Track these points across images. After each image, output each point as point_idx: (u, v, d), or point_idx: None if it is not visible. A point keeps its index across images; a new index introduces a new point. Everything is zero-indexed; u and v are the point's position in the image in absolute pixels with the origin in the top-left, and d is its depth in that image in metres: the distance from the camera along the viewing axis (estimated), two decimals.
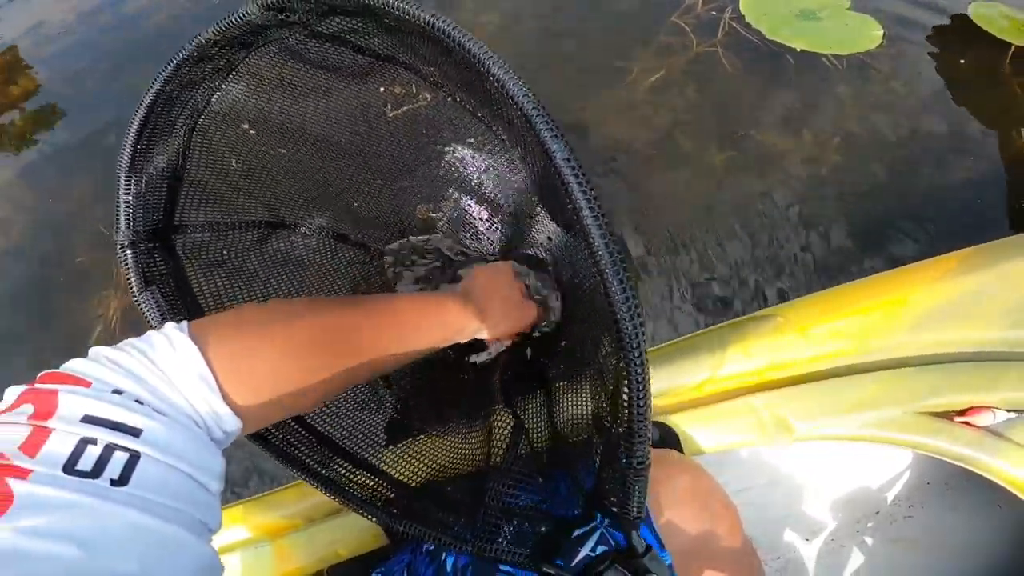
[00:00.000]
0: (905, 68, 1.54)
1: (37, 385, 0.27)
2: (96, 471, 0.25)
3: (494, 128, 0.63)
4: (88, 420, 0.26)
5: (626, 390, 0.32)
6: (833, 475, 0.89)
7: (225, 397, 0.32)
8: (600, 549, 0.49)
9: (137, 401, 0.28)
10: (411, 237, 0.71)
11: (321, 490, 0.49)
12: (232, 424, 0.33)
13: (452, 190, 0.70)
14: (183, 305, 0.49)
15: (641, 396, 0.31)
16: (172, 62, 0.43)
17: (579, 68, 1.59)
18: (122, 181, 0.45)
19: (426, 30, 0.34)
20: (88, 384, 0.28)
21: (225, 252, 0.54)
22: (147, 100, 0.44)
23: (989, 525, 0.82)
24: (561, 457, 0.53)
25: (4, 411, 0.26)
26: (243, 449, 1.16)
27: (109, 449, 0.25)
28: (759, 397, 0.65)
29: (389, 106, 0.61)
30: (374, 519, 0.47)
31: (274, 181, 0.59)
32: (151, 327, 0.46)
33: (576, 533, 0.49)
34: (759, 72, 1.54)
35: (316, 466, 0.50)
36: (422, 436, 0.58)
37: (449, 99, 0.60)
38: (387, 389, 0.63)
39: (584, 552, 0.49)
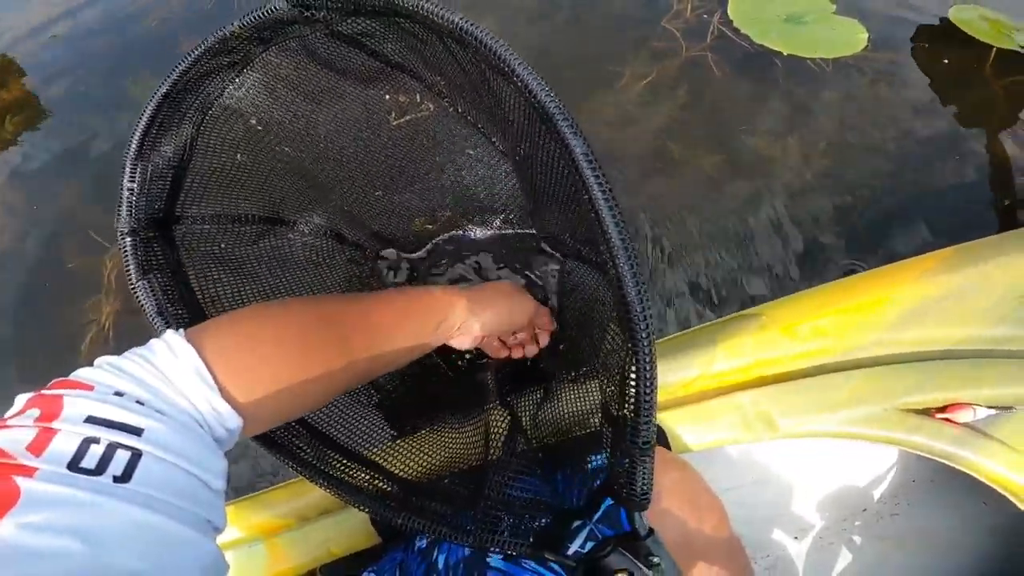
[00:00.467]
0: (890, 71, 1.56)
1: (44, 391, 0.28)
2: (99, 469, 0.25)
3: (492, 139, 0.65)
4: (91, 421, 0.27)
5: (634, 371, 0.33)
6: (820, 473, 0.90)
7: (224, 394, 0.33)
8: (589, 545, 0.49)
9: (138, 402, 0.29)
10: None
11: (318, 483, 0.49)
12: (233, 422, 0.33)
13: (449, 199, 0.71)
14: (179, 296, 0.49)
15: (648, 376, 0.33)
16: (193, 52, 0.44)
17: (571, 73, 1.60)
18: (127, 169, 0.45)
19: (453, 31, 0.35)
20: (91, 388, 0.29)
21: (223, 245, 0.55)
22: (163, 89, 0.45)
23: (974, 522, 0.84)
24: (561, 453, 0.53)
25: (13, 416, 0.27)
26: (237, 449, 1.16)
27: (112, 448, 0.26)
28: (744, 395, 0.66)
29: (393, 114, 0.61)
30: (372, 512, 0.47)
31: (276, 178, 0.60)
32: (146, 319, 0.48)
33: (565, 530, 0.51)
34: (748, 76, 1.56)
35: (313, 460, 0.50)
36: (418, 433, 0.59)
37: (451, 109, 0.61)
38: (380, 388, 0.64)
39: (573, 548, 0.49)
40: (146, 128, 0.45)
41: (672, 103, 1.52)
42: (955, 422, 0.62)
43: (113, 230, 1.45)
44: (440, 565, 0.52)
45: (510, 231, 0.73)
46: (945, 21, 1.67)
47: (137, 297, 0.46)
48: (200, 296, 0.52)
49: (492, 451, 0.52)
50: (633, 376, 0.34)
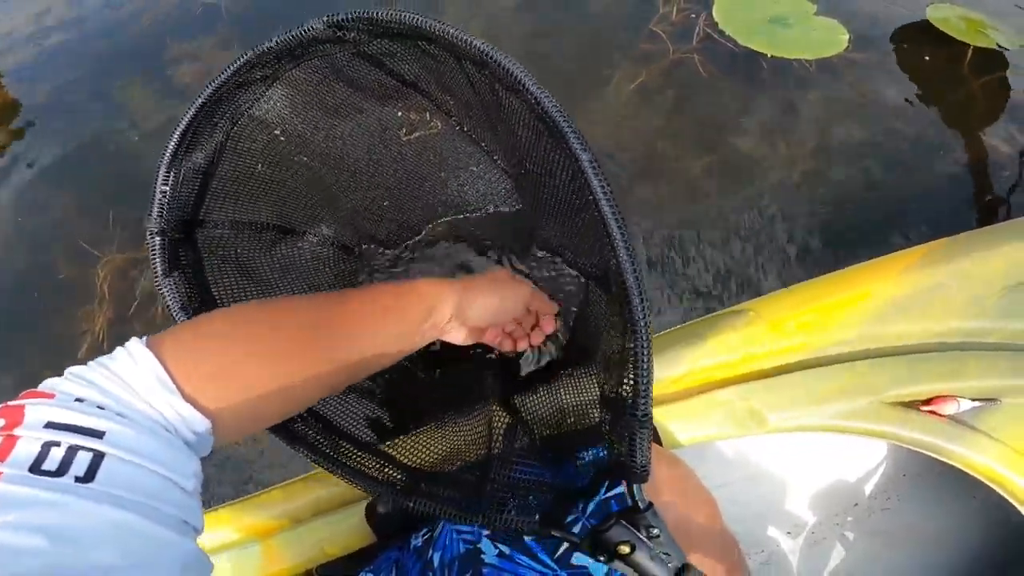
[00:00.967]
0: (871, 71, 1.59)
1: (9, 403, 0.29)
2: (61, 470, 0.26)
3: (495, 158, 0.67)
4: (50, 426, 0.27)
5: (632, 349, 0.36)
6: (811, 469, 0.91)
7: (187, 398, 0.32)
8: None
9: (99, 407, 0.29)
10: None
11: (337, 474, 0.49)
12: (201, 425, 0.33)
13: (452, 214, 0.74)
14: (198, 296, 0.51)
15: (646, 350, 0.36)
16: (231, 66, 0.47)
17: (561, 77, 1.62)
18: (162, 172, 0.47)
19: (473, 54, 0.39)
20: (52, 396, 0.29)
21: (238, 251, 0.57)
22: (200, 100, 0.47)
23: (965, 516, 0.85)
24: (560, 444, 0.55)
25: None
26: (229, 449, 1.16)
27: (72, 450, 0.27)
28: (733, 390, 0.67)
29: (404, 129, 0.64)
30: (385, 498, 0.48)
31: (291, 189, 0.62)
32: (171, 316, 0.49)
33: None
34: (734, 77, 1.58)
35: (329, 451, 0.51)
36: (421, 429, 0.59)
37: (457, 128, 0.65)
38: (381, 385, 0.64)
39: (567, 543, 0.51)
40: (182, 135, 0.48)
41: (661, 105, 1.54)
42: (940, 414, 0.63)
43: (104, 240, 1.46)
44: (436, 563, 0.52)
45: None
46: (921, 20, 1.70)
47: (162, 294, 0.48)
48: (217, 296, 0.54)
49: (495, 444, 0.53)
50: (631, 355, 0.36)
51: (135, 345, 0.33)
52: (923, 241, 0.71)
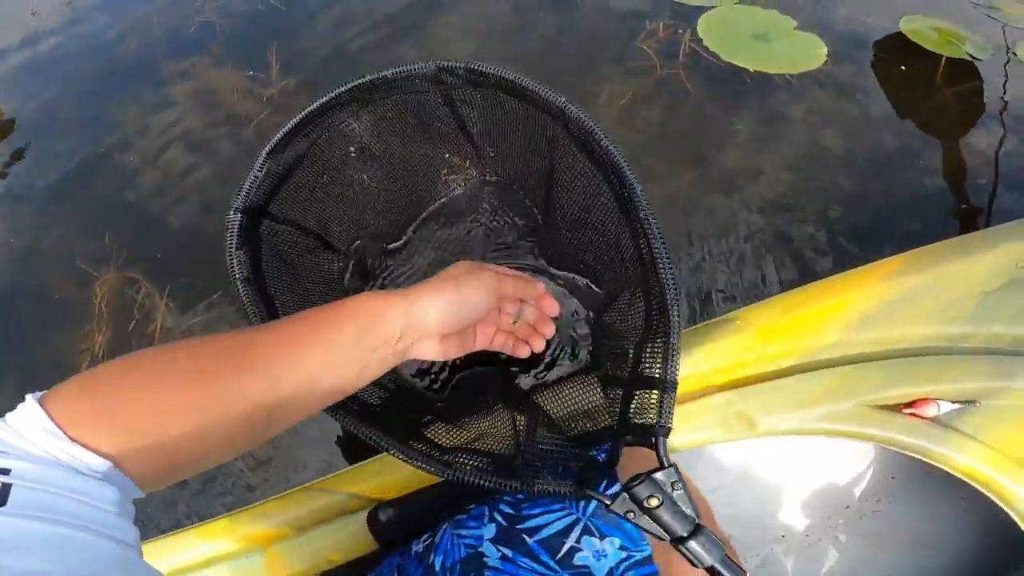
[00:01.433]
0: (850, 83, 1.63)
1: None
2: None
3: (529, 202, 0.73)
4: None
5: (664, 327, 0.45)
6: (803, 473, 0.93)
7: (74, 439, 0.32)
8: (585, 539, 0.52)
9: (5, 473, 0.29)
10: None
11: (390, 450, 0.50)
12: (99, 463, 0.32)
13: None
14: (254, 278, 0.55)
15: (676, 330, 0.44)
16: (347, 84, 0.54)
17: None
18: (261, 160, 0.53)
19: (553, 107, 0.50)
20: None
21: (286, 248, 0.61)
22: (313, 106, 0.54)
23: (954, 516, 0.87)
24: (583, 424, 0.57)
25: None
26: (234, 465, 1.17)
27: None
28: (723, 395, 0.69)
29: (445, 170, 0.70)
30: (421, 465, 0.48)
31: (340, 202, 0.67)
32: (234, 289, 0.52)
33: (560, 527, 0.53)
34: (719, 93, 1.62)
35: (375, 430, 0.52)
36: (446, 424, 0.60)
37: (484, 177, 0.72)
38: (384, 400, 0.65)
39: (569, 544, 0.52)
40: (287, 133, 0.54)
41: (648, 121, 1.58)
42: (922, 416, 0.65)
43: (101, 259, 1.45)
44: (437, 567, 0.53)
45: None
46: (896, 33, 1.75)
47: (231, 265, 0.52)
48: (268, 282, 0.57)
49: (519, 429, 0.56)
50: (661, 335, 0.45)
51: (28, 400, 0.34)
52: (903, 248, 0.74)
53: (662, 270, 0.45)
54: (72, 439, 0.32)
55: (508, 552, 0.52)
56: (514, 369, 0.68)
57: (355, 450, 1.14)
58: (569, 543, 0.52)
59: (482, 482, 0.46)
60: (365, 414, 0.53)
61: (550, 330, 0.60)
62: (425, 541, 0.58)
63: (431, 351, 0.48)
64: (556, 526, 0.53)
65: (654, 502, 0.40)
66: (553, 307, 0.58)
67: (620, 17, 1.86)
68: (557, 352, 0.69)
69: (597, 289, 0.70)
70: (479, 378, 0.68)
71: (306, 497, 0.67)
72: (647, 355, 0.48)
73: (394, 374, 0.65)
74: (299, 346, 0.40)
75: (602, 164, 0.51)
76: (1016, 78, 1.67)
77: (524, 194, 0.72)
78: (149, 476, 0.35)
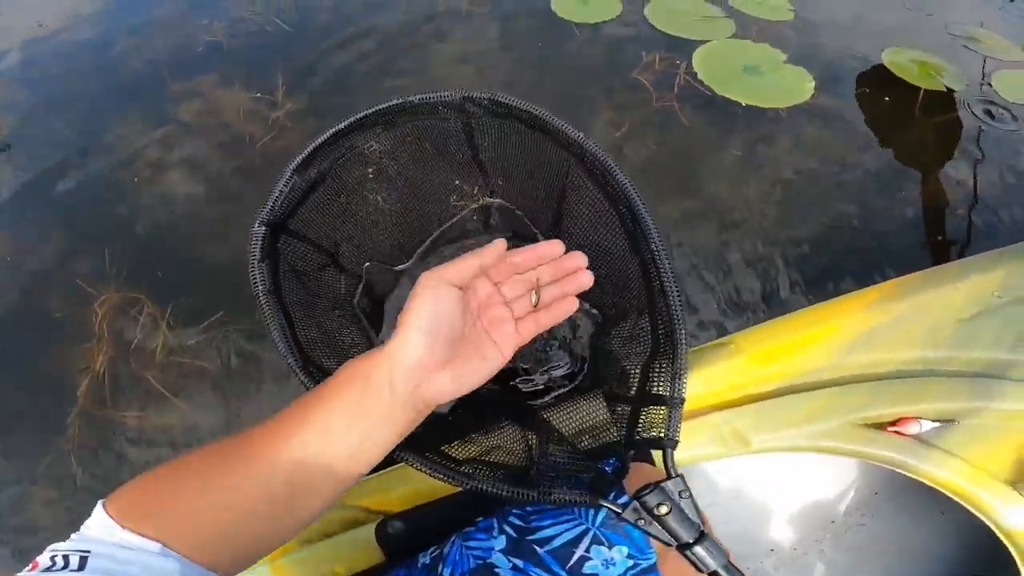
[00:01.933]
0: (836, 115, 1.70)
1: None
2: (64, 566, 0.34)
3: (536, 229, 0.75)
4: (53, 550, 0.36)
5: (669, 347, 0.49)
6: (790, 489, 0.96)
7: (125, 527, 0.37)
8: (594, 548, 0.54)
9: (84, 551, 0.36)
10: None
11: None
12: (151, 545, 0.36)
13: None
14: (274, 288, 0.56)
15: (682, 349, 0.48)
16: (374, 108, 0.57)
17: None
18: (287, 175, 0.55)
19: (573, 142, 0.54)
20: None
21: (300, 264, 0.62)
22: (341, 125, 0.56)
23: (934, 530, 0.90)
24: (592, 438, 0.58)
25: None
26: None
27: (65, 557, 0.35)
28: (719, 415, 0.72)
29: (455, 196, 0.72)
30: (441, 477, 0.48)
31: (353, 222, 0.68)
32: (257, 301, 0.53)
33: (570, 537, 0.55)
34: (713, 124, 1.67)
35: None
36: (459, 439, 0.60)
37: (492, 203, 0.74)
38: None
39: (579, 553, 0.54)
40: (314, 151, 0.55)
41: (644, 151, 1.63)
42: (904, 434, 0.69)
43: (100, 279, 1.44)
44: None
45: None
46: (879, 66, 1.82)
47: (254, 277, 0.53)
48: (285, 291, 0.59)
49: (531, 444, 0.57)
50: (668, 354, 0.49)
51: (97, 506, 0.39)
52: (886, 277, 0.79)
53: (672, 300, 0.49)
54: (122, 525, 0.37)
55: (519, 563, 0.53)
56: (517, 384, 0.70)
57: None
58: (579, 552, 0.54)
59: (501, 492, 0.46)
60: None
61: (572, 283, 0.49)
62: (433, 553, 0.58)
63: (444, 385, 0.42)
64: (566, 536, 0.55)
65: (663, 509, 0.42)
66: (552, 248, 0.48)
67: (617, 48, 1.92)
68: (557, 369, 0.72)
69: (596, 312, 0.73)
70: (484, 397, 0.70)
71: None
72: (654, 375, 0.51)
73: None
74: (302, 421, 0.41)
75: (613, 197, 0.55)
76: (992, 108, 1.75)
77: (530, 220, 0.75)
78: (198, 551, 0.39)
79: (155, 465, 0.41)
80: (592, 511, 0.56)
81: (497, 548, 0.55)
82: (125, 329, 1.37)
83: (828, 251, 1.42)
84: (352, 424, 0.41)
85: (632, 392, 0.54)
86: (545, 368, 0.69)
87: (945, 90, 1.75)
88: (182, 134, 1.77)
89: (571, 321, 0.73)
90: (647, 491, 0.43)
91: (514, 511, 0.59)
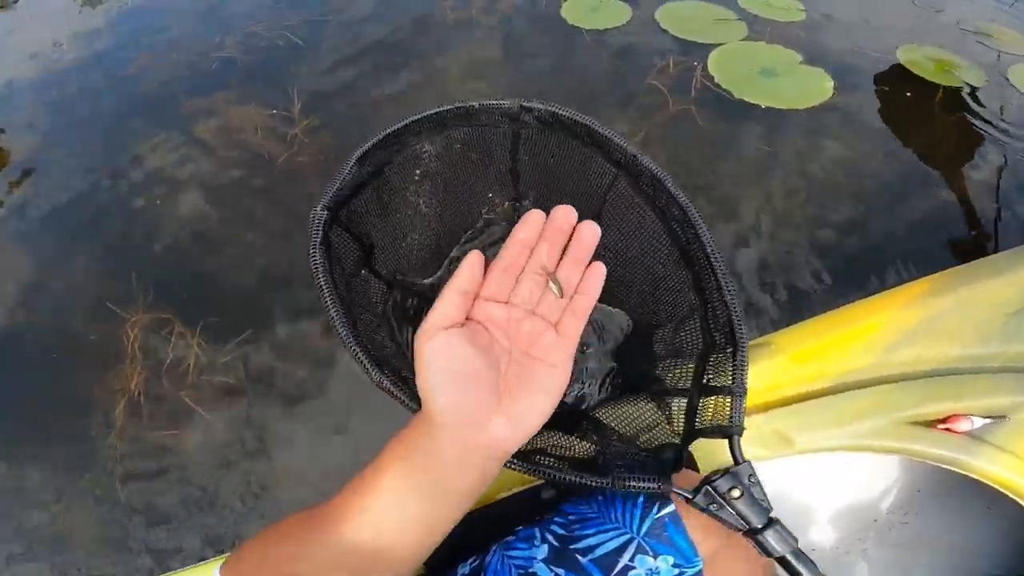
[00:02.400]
0: (857, 114, 1.69)
1: None
2: None
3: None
4: None
5: (731, 347, 0.49)
6: (830, 490, 0.95)
7: None
8: (639, 558, 0.53)
9: None
10: None
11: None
12: None
13: None
14: (329, 270, 0.56)
15: (743, 343, 0.48)
16: (431, 111, 0.57)
17: None
18: (351, 165, 0.55)
19: (624, 155, 0.55)
20: None
21: (343, 252, 0.62)
22: (405, 122, 0.56)
23: (981, 526, 0.89)
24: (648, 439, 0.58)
25: None
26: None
27: None
28: (761, 416, 0.71)
29: (486, 208, 0.71)
30: (517, 467, 0.47)
31: (390, 221, 0.68)
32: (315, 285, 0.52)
33: (614, 546, 0.54)
34: (731, 127, 1.67)
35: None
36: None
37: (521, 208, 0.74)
38: None
39: (623, 562, 0.53)
40: (379, 142, 0.56)
41: (664, 156, 1.63)
42: (956, 431, 0.68)
43: (129, 300, 1.45)
44: None
45: None
46: (897, 64, 1.82)
47: (314, 260, 0.52)
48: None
49: (592, 438, 0.56)
50: (730, 351, 0.49)
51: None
52: (914, 274, 0.78)
53: (729, 298, 0.50)
54: None
55: (561, 571, 0.53)
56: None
57: None
58: (623, 561, 0.53)
59: (578, 480, 0.45)
60: None
61: (579, 247, 0.46)
62: (472, 563, 0.58)
63: (499, 430, 0.40)
64: (610, 545, 0.54)
65: (736, 493, 0.42)
66: (533, 219, 0.45)
67: (630, 54, 1.93)
68: (598, 377, 0.72)
69: (629, 319, 0.73)
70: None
71: None
72: (711, 368, 0.52)
73: None
74: (355, 507, 0.40)
75: (663, 208, 0.55)
76: (1011, 102, 1.74)
77: None
78: None
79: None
80: (636, 520, 0.56)
81: (539, 558, 0.55)
82: (157, 349, 1.38)
83: (859, 249, 1.42)
84: (405, 507, 0.38)
85: (688, 385, 0.54)
86: (589, 377, 0.69)
87: (963, 85, 1.75)
88: (201, 153, 1.79)
89: (597, 327, 0.73)
90: (717, 476, 0.43)
91: (556, 520, 0.59)
